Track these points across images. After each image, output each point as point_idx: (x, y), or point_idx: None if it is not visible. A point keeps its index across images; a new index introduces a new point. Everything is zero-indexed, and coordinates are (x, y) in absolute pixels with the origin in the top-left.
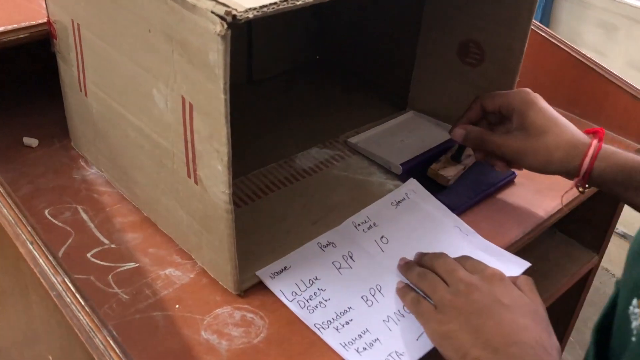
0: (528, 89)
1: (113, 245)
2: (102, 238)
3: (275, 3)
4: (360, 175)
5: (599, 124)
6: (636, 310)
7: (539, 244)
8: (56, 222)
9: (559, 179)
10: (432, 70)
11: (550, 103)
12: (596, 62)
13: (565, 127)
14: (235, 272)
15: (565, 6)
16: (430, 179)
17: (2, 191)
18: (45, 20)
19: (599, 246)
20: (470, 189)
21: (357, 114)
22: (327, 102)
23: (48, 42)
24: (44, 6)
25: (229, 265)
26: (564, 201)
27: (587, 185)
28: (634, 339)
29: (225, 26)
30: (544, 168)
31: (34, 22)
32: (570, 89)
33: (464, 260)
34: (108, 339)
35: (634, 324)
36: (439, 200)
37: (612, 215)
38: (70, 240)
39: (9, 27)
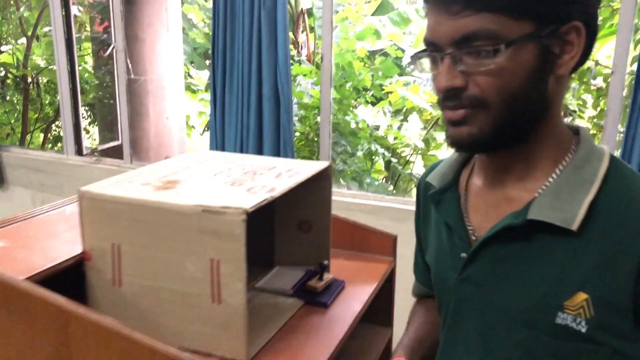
0: None
1: None
2: None
3: (261, 201)
4: (272, 300)
5: (376, 252)
6: None
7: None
8: None
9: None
10: (284, 238)
11: (345, 248)
12: (366, 225)
13: None
14: (248, 347)
15: None
16: (307, 290)
17: None
18: (80, 251)
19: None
20: (329, 292)
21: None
22: None
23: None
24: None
25: (244, 344)
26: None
27: None
28: None
29: (245, 216)
30: None
31: (72, 255)
32: (344, 240)
33: None
34: None
35: None
36: (318, 299)
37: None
38: None
39: (62, 260)
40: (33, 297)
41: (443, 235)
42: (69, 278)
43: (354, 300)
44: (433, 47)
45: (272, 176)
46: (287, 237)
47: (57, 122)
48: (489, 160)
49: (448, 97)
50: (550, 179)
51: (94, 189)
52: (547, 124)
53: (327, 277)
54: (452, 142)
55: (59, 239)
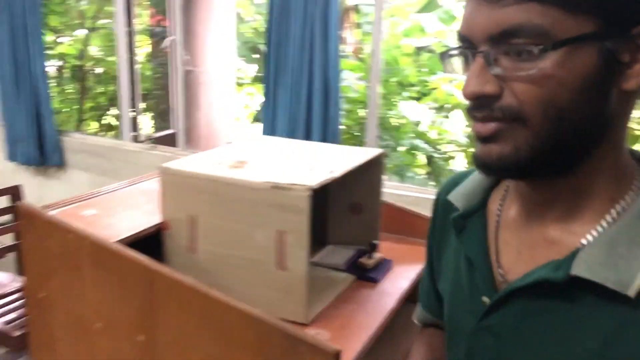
0: None
1: None
2: None
3: (324, 180)
4: (326, 274)
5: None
6: None
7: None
8: None
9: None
10: (337, 219)
11: (393, 232)
12: (414, 211)
13: None
14: (308, 311)
15: None
16: (359, 266)
17: None
18: (159, 221)
19: None
20: (379, 269)
21: None
22: None
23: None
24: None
25: (304, 308)
26: None
27: None
28: None
29: (311, 192)
30: None
31: (153, 224)
32: (392, 224)
33: None
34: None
35: None
36: (369, 275)
37: None
38: None
39: (145, 227)
40: (123, 258)
41: (462, 268)
42: (148, 244)
43: (401, 278)
44: (466, 44)
45: (331, 159)
46: (340, 218)
47: (110, 111)
48: (527, 188)
49: (477, 106)
50: (604, 223)
51: (173, 165)
52: (606, 151)
53: (377, 256)
54: (478, 162)
55: (140, 210)
